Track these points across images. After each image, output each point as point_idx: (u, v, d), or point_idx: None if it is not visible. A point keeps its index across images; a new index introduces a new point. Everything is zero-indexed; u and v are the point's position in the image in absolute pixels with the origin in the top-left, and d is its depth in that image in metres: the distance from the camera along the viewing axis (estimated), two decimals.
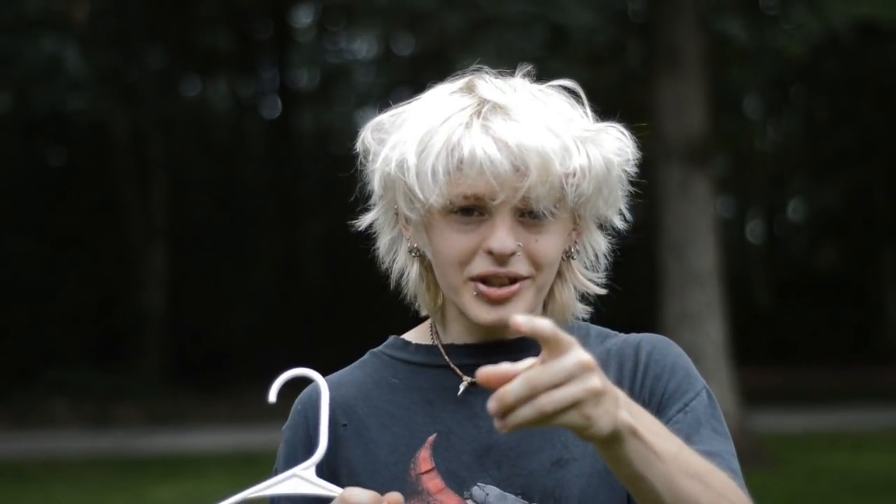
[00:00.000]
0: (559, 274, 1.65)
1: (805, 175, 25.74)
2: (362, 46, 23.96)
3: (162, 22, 20.75)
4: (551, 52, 12.10)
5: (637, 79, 13.52)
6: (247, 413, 16.84)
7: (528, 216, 1.57)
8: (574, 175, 1.55)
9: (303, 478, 1.52)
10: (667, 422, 1.54)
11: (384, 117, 1.64)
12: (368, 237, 1.70)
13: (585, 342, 1.68)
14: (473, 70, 1.65)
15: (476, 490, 1.59)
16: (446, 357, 1.66)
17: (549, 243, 1.58)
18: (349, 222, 1.70)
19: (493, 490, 1.59)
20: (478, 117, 1.56)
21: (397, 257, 1.68)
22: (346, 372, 1.72)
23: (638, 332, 1.76)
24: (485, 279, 1.57)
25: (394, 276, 1.69)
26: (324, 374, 1.70)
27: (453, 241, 1.58)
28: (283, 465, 1.67)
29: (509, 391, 1.28)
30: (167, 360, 19.85)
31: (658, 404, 1.60)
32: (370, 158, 1.64)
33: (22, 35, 15.79)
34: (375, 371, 1.69)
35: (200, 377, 19.05)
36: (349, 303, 21.90)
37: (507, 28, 11.59)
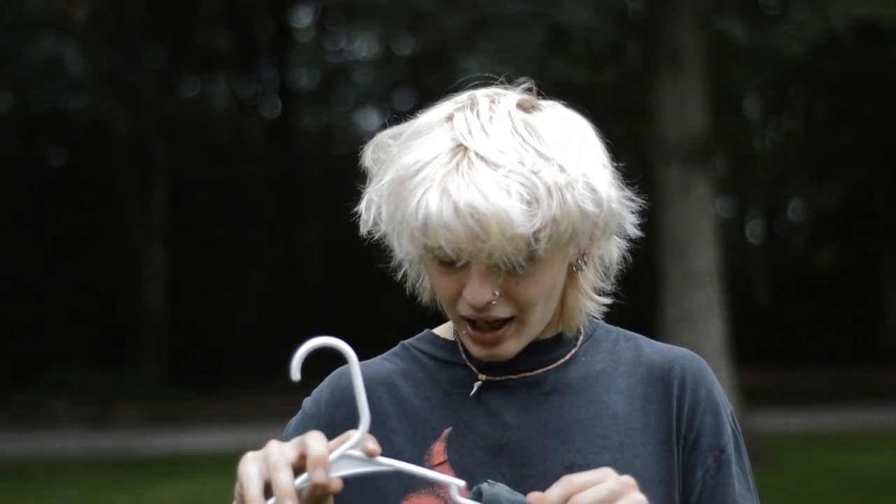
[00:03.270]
0: (570, 282, 1.65)
1: (805, 175, 25.71)
2: (362, 46, 23.96)
3: (162, 22, 20.76)
4: (551, 52, 12.09)
5: (637, 79, 13.49)
6: (247, 413, 16.85)
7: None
8: (544, 229, 1.50)
9: (354, 457, 1.43)
10: (699, 465, 1.65)
11: (384, 137, 1.62)
12: (368, 238, 1.71)
13: (615, 347, 1.72)
14: (473, 84, 1.63)
15: (486, 486, 1.59)
16: (464, 355, 1.69)
17: (530, 284, 1.56)
18: (369, 233, 1.68)
19: (502, 488, 1.59)
20: (444, 171, 1.51)
21: (412, 265, 1.68)
22: (376, 361, 1.75)
23: (637, 332, 1.76)
24: (471, 322, 1.59)
25: (410, 282, 1.69)
26: (330, 370, 1.72)
27: (440, 281, 1.59)
28: (293, 433, 1.69)
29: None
30: (167, 360, 19.86)
31: (692, 440, 1.66)
32: (367, 183, 1.63)
33: (22, 35, 15.77)
34: (404, 363, 1.73)
35: (200, 377, 19.06)
36: (349, 303, 21.91)
37: (507, 28, 11.58)
